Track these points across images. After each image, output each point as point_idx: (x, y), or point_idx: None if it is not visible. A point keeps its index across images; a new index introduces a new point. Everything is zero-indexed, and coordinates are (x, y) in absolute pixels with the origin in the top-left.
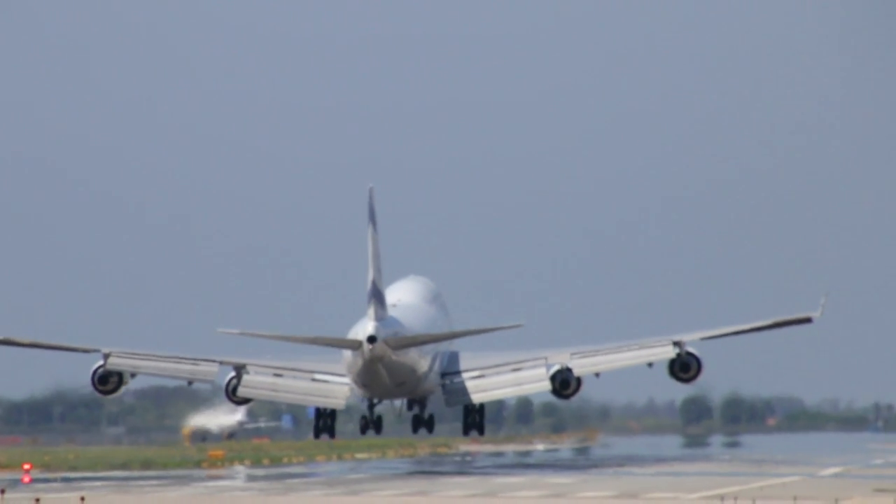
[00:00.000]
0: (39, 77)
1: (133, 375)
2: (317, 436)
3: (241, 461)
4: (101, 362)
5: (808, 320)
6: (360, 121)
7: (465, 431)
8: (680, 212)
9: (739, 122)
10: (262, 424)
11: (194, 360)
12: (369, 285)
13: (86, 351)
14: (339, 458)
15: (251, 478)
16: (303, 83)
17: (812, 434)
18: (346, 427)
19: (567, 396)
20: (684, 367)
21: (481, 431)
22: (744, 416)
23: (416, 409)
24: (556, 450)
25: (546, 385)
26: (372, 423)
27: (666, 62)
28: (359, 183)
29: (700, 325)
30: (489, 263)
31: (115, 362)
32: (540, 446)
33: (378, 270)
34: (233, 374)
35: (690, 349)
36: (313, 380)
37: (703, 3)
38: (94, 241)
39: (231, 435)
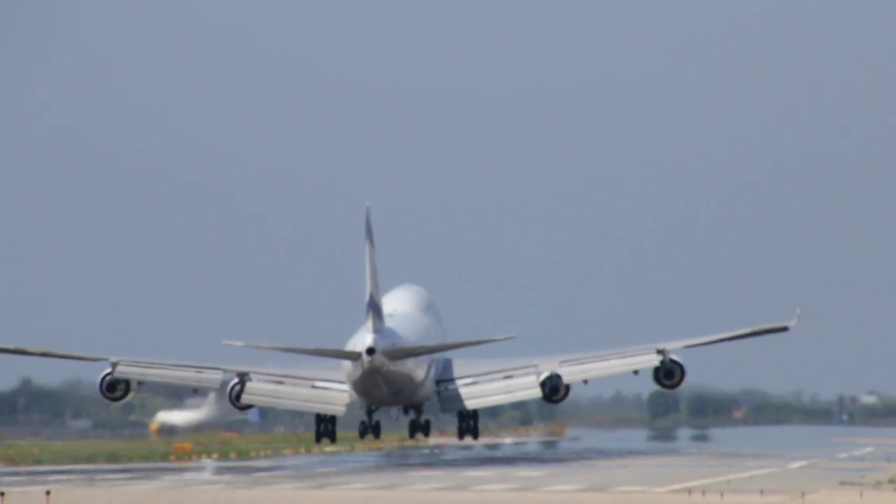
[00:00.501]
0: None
1: (140, 383)
2: (318, 440)
3: (209, 454)
4: (108, 370)
5: (784, 329)
6: (353, 128)
7: (461, 436)
8: (662, 226)
9: (719, 140)
10: (229, 418)
11: (199, 368)
12: (367, 299)
13: (95, 360)
14: (307, 451)
15: (219, 471)
16: (305, 99)
17: (777, 427)
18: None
19: (556, 401)
20: (668, 374)
21: (475, 436)
22: (710, 409)
23: (412, 415)
24: (524, 443)
25: (536, 392)
26: (370, 428)
27: (654, 75)
28: (353, 190)
29: (683, 334)
30: (480, 270)
31: (123, 371)
32: (508, 440)
33: (376, 285)
34: (236, 380)
35: (674, 357)
36: (314, 387)
37: (699, 8)
38: (104, 254)
39: (198, 428)
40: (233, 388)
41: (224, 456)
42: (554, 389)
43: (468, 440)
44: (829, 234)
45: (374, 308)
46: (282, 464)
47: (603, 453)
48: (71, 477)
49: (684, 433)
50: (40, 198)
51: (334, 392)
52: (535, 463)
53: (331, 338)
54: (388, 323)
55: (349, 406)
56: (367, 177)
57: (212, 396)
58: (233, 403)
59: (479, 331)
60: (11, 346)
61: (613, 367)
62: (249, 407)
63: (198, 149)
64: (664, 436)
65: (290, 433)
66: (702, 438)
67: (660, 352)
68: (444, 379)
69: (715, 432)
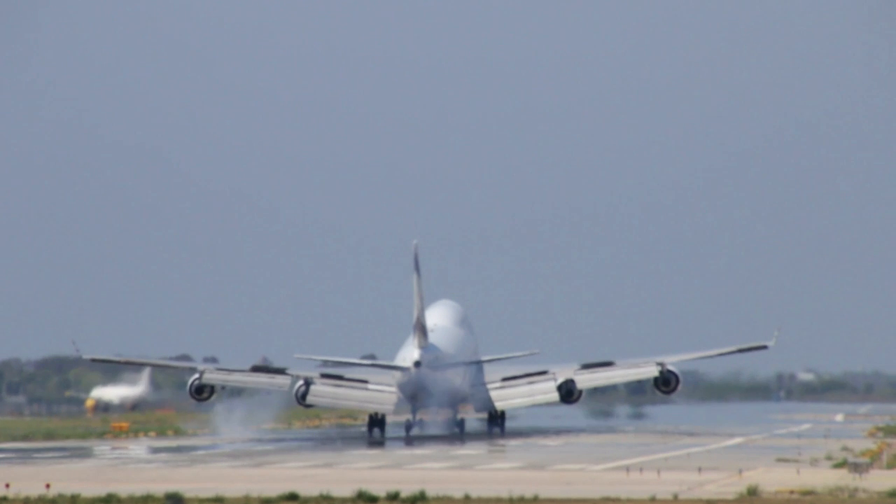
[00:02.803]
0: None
1: (223, 387)
2: (370, 433)
3: (146, 433)
4: (196, 376)
5: (764, 347)
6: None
7: (490, 430)
8: (659, 253)
9: (710, 161)
10: (166, 396)
11: (271, 373)
12: (415, 320)
13: (186, 369)
14: (245, 428)
15: (156, 450)
16: (355, 130)
17: (715, 404)
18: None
19: (571, 402)
20: (665, 382)
21: (503, 430)
22: (648, 387)
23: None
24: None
25: (555, 396)
26: (416, 425)
27: (646, 89)
28: (396, 214)
29: (679, 347)
30: (504, 284)
31: (208, 377)
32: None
33: (422, 309)
34: (301, 383)
35: (671, 367)
36: (367, 389)
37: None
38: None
39: (134, 406)
40: (298, 389)
41: (161, 434)
42: (569, 393)
43: (496, 433)
44: (775, 226)
45: (421, 328)
46: (219, 442)
47: (541, 431)
48: (8, 455)
49: (622, 411)
50: (91, 213)
51: (384, 394)
52: (473, 441)
53: (377, 345)
54: (430, 337)
55: (396, 406)
56: (393, 198)
57: (146, 373)
58: (298, 403)
59: (505, 338)
60: (119, 357)
61: (619, 376)
62: (313, 407)
63: (259, 178)
64: (601, 414)
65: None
66: (639, 416)
67: (659, 364)
68: (477, 383)
69: (652, 410)
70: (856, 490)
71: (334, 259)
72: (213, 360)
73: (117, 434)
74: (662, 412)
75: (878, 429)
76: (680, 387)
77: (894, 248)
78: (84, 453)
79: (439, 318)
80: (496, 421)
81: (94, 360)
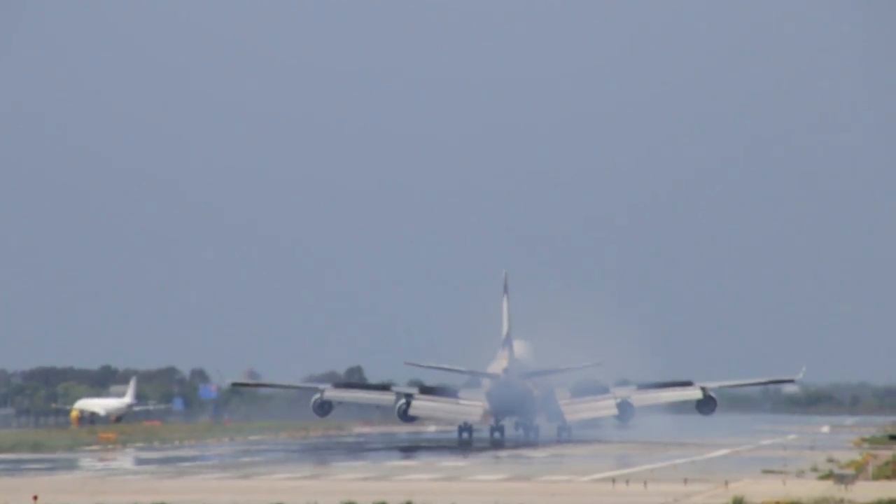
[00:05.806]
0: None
1: (339, 403)
2: (460, 438)
3: (133, 444)
4: (318, 395)
5: (791, 381)
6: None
7: (559, 436)
8: (699, 288)
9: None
10: (151, 407)
11: (379, 390)
12: (504, 336)
13: (306, 389)
14: (231, 439)
15: (143, 461)
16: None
17: (702, 416)
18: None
19: (626, 419)
20: (706, 404)
21: (570, 435)
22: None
23: (526, 423)
24: (448, 431)
25: (614, 411)
26: (497, 430)
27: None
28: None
29: (716, 375)
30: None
31: (329, 395)
32: (432, 427)
33: (511, 327)
34: (403, 400)
35: (711, 392)
36: (459, 403)
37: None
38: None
39: (119, 418)
40: (400, 405)
41: (148, 445)
42: (626, 411)
43: (564, 438)
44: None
45: (509, 344)
46: (206, 453)
47: (527, 442)
48: None
49: (608, 422)
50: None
51: (473, 407)
52: (460, 452)
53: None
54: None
55: (482, 417)
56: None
57: (132, 385)
58: (400, 417)
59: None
60: (252, 381)
61: (669, 397)
62: (415, 418)
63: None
64: (588, 425)
65: (213, 423)
66: (626, 427)
67: (702, 388)
68: (550, 398)
69: (639, 421)
70: (841, 501)
71: (324, 276)
72: (200, 371)
73: (104, 445)
74: (648, 423)
75: (864, 440)
76: (717, 408)
77: (880, 263)
78: (71, 465)
79: (516, 350)
80: (564, 429)
81: (234, 385)
